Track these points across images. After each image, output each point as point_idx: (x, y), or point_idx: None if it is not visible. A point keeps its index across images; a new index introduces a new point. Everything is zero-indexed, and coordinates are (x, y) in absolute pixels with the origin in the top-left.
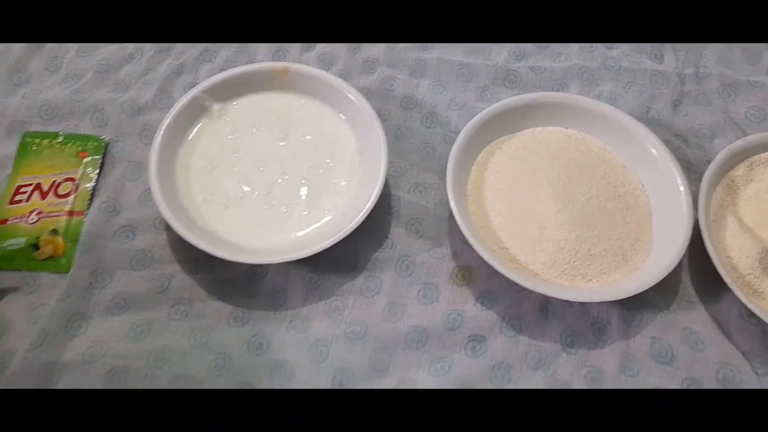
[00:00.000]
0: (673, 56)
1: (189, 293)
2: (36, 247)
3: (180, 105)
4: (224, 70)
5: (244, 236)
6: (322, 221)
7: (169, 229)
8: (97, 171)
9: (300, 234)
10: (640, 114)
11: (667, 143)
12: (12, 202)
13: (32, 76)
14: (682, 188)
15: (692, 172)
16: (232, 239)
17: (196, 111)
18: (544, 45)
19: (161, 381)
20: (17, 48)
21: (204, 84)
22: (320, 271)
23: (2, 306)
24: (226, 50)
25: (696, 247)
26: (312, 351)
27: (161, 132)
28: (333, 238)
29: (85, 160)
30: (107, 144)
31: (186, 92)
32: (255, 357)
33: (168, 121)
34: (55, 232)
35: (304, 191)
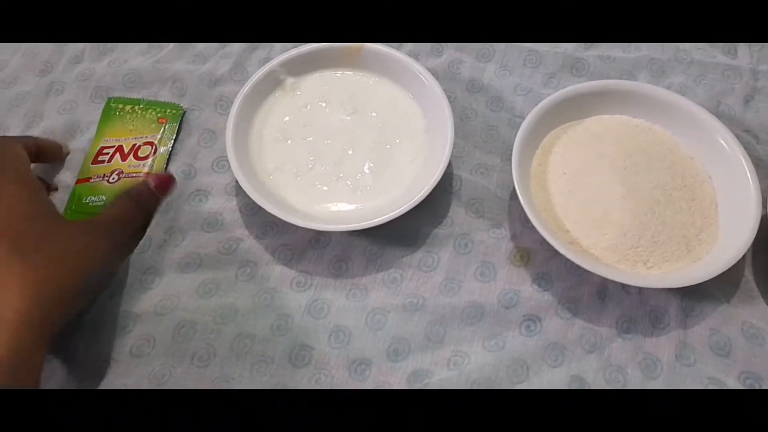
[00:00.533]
0: (747, 52)
1: (255, 257)
2: None
3: (257, 77)
4: (298, 46)
5: (311, 205)
6: (386, 195)
7: (239, 194)
8: (174, 137)
9: (364, 206)
10: (710, 108)
11: (737, 138)
12: (95, 162)
13: (117, 45)
14: (751, 183)
15: (762, 168)
16: (299, 207)
17: (271, 84)
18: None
19: (226, 337)
20: None
21: (280, 58)
22: (381, 244)
23: None
24: None
25: (761, 243)
26: (370, 319)
27: (238, 101)
28: (395, 212)
29: (164, 126)
30: (185, 112)
31: (261, 66)
32: (315, 321)
33: (245, 91)
34: None
35: (370, 166)
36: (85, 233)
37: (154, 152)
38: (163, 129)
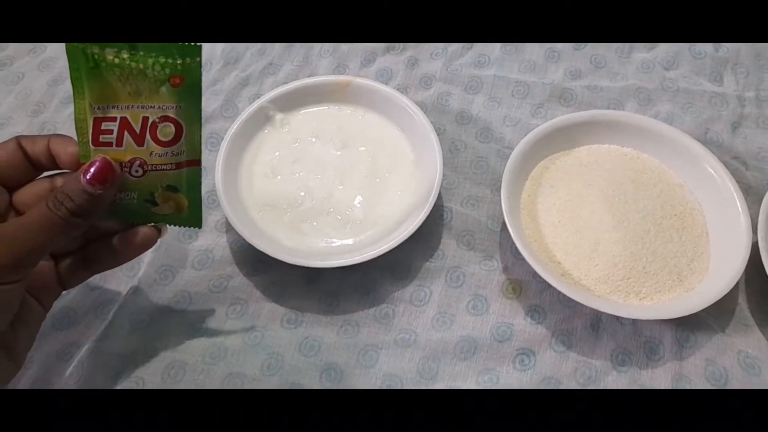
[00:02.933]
0: (733, 79)
1: (245, 294)
2: (152, 203)
3: (246, 113)
4: (287, 83)
5: (302, 241)
6: (376, 230)
7: (228, 231)
8: (200, 107)
9: (354, 241)
10: (698, 135)
11: (726, 165)
12: (97, 143)
13: None
14: (741, 210)
15: (751, 195)
16: (289, 243)
17: (260, 120)
18: (601, 64)
19: (216, 377)
20: None
21: (270, 95)
22: (372, 278)
23: (72, 300)
24: (289, 64)
25: (754, 270)
26: (362, 356)
27: (228, 138)
28: (385, 246)
29: (179, 89)
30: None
31: (251, 103)
32: (306, 359)
33: (235, 127)
34: (172, 188)
35: (360, 200)
36: None
37: (179, 135)
38: (178, 95)
